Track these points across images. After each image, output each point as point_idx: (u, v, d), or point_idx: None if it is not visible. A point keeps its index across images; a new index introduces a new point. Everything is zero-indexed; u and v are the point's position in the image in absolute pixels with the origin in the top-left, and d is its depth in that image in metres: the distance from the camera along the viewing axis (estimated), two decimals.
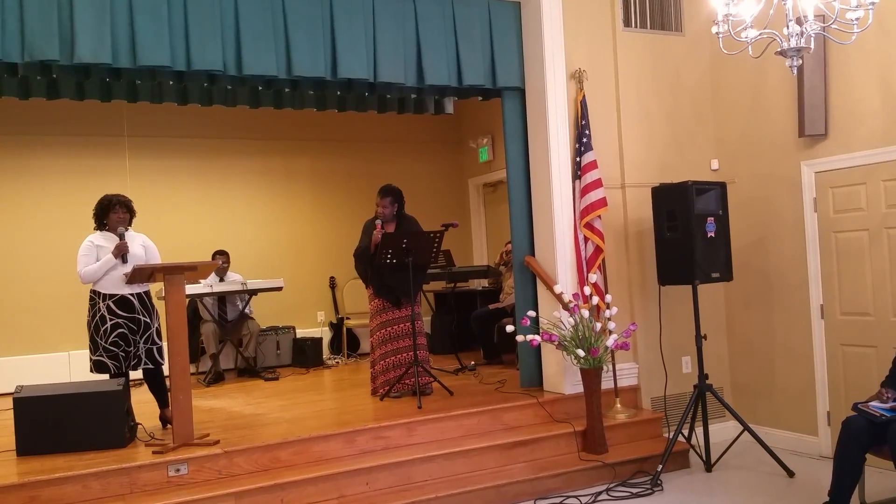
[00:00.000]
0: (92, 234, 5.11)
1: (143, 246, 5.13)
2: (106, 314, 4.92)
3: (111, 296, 4.94)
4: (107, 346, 4.90)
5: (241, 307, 7.67)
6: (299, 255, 8.65)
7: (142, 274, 4.74)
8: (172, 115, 7.78)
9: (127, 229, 5.07)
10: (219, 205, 8.32)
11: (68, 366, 7.47)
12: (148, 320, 5.03)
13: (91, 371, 5.00)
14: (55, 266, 7.51)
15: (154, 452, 4.36)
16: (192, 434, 4.56)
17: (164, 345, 4.82)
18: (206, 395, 6.53)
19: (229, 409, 5.85)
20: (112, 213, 5.05)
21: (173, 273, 4.65)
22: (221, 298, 7.60)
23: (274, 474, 4.35)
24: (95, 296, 4.98)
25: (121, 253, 4.93)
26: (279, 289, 7.53)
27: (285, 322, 8.34)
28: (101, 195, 5.19)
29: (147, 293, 5.12)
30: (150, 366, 5.04)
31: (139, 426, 4.87)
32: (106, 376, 4.93)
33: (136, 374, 5.17)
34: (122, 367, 4.93)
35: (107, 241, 5.02)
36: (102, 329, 4.91)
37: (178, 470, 4.25)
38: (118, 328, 4.91)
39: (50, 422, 4.52)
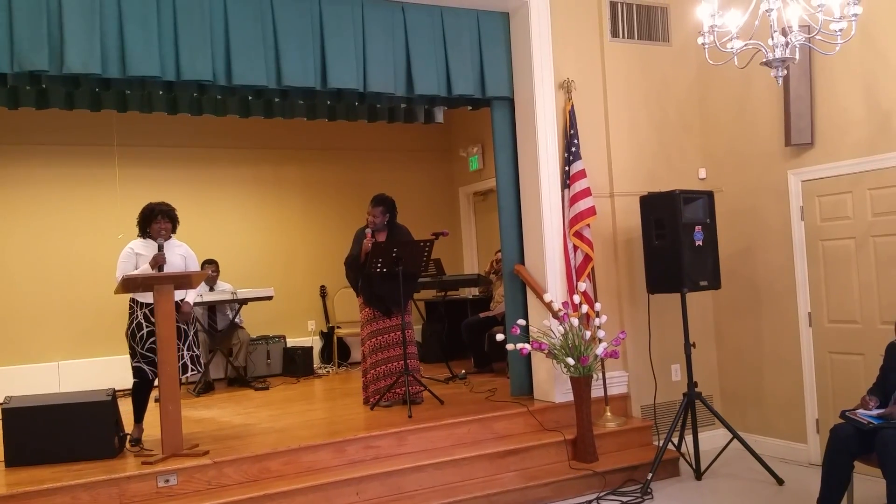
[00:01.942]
0: (133, 241, 5.10)
1: (182, 256, 5.14)
2: (142, 321, 4.91)
3: (147, 304, 4.90)
4: (144, 352, 4.88)
5: (230, 316, 7.65)
6: (290, 263, 8.64)
7: (133, 283, 4.72)
8: (162, 125, 7.78)
9: (169, 238, 5.06)
10: (209, 214, 8.29)
11: (57, 376, 7.44)
12: (185, 327, 5.03)
13: (134, 378, 4.96)
14: (45, 275, 7.50)
15: (143, 463, 4.35)
16: (182, 444, 4.54)
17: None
18: (196, 405, 6.51)
19: (219, 419, 5.83)
20: (154, 224, 5.04)
21: (163, 283, 4.65)
22: (211, 308, 7.59)
23: (264, 485, 4.34)
24: (133, 303, 4.98)
25: (157, 264, 4.89)
26: (269, 298, 7.52)
27: (276, 331, 8.32)
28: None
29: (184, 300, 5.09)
30: (196, 371, 5.10)
31: (129, 437, 4.85)
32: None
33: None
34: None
35: (147, 248, 5.00)
36: (139, 336, 4.90)
37: (167, 481, 4.23)
38: (154, 335, 4.86)
39: (39, 432, 4.51)
